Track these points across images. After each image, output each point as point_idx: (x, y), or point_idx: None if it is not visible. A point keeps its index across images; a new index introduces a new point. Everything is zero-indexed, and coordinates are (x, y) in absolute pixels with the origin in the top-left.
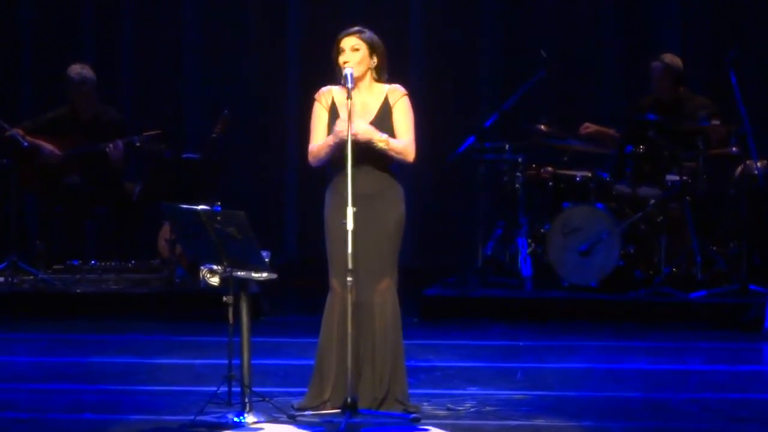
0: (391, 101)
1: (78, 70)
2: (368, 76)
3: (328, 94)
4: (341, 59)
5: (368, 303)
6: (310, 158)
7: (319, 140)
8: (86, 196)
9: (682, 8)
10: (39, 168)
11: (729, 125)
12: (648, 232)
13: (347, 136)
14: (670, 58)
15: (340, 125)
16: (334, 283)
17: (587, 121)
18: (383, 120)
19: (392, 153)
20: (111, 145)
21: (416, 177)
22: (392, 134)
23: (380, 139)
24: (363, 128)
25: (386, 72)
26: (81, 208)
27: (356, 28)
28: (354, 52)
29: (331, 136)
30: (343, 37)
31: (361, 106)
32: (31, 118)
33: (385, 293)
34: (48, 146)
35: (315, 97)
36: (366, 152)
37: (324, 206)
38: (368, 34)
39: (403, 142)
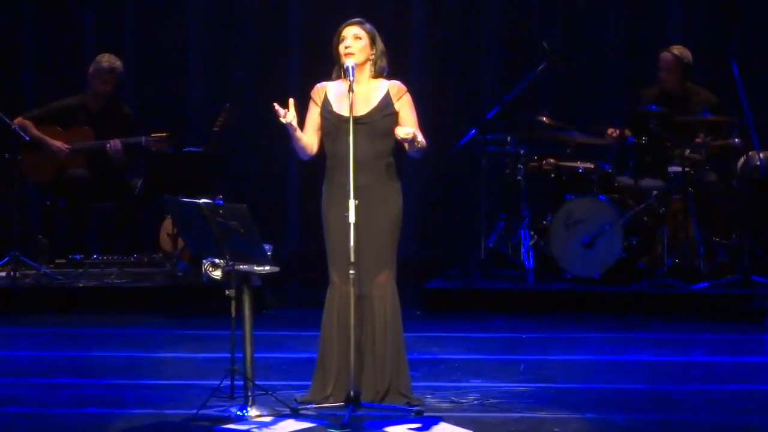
0: (393, 96)
1: (112, 60)
2: (367, 67)
3: (322, 90)
4: (342, 46)
5: (368, 296)
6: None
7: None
8: (89, 190)
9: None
10: (44, 160)
11: (731, 117)
12: (651, 223)
13: (351, 141)
14: (681, 50)
15: (288, 116)
16: (333, 276)
17: (590, 114)
18: (383, 111)
19: (419, 150)
20: (110, 144)
21: (418, 169)
22: (393, 127)
23: (420, 140)
24: (411, 131)
25: (385, 69)
26: (84, 201)
27: (358, 19)
28: (356, 40)
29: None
30: (345, 27)
31: (361, 96)
32: (39, 107)
33: (385, 286)
34: (56, 143)
35: (310, 94)
36: (369, 142)
37: (321, 199)
38: (369, 26)
39: (425, 143)
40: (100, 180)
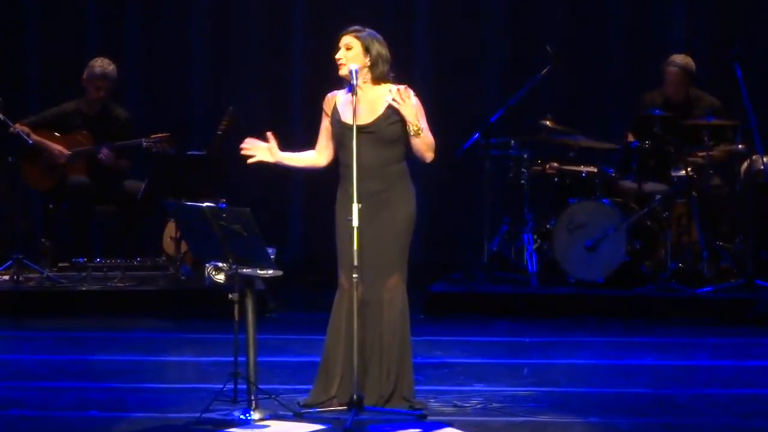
0: None
1: (105, 65)
2: (363, 75)
3: (332, 100)
4: (336, 56)
5: (377, 300)
6: None
7: (317, 148)
8: (91, 195)
9: (687, 3)
10: (45, 167)
11: (735, 121)
12: (654, 227)
13: (354, 143)
14: (685, 60)
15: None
16: (342, 279)
17: (594, 117)
18: (390, 117)
19: (420, 144)
20: (101, 153)
21: (422, 173)
22: (403, 133)
23: (417, 124)
24: (411, 109)
25: (387, 74)
26: (86, 206)
27: (354, 27)
28: (347, 50)
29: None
30: (341, 36)
31: (366, 104)
32: (36, 113)
33: (394, 290)
34: (56, 147)
35: (322, 105)
36: (375, 150)
37: (335, 204)
38: (366, 33)
39: (431, 138)
40: (101, 185)
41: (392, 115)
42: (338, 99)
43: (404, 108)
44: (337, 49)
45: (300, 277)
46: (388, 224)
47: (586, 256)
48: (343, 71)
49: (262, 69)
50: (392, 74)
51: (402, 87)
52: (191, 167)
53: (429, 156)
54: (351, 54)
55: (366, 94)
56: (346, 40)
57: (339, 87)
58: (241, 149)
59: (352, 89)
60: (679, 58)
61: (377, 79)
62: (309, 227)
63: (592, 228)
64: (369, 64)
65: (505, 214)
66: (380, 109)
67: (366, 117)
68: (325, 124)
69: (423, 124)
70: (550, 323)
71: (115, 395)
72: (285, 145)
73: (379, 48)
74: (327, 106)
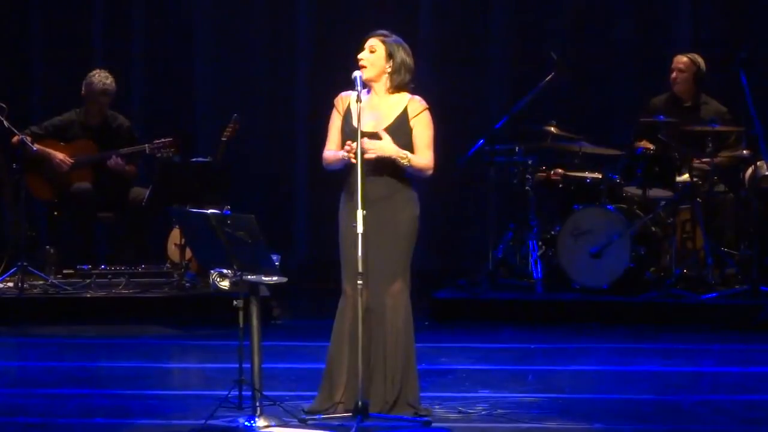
0: (410, 113)
1: (103, 80)
2: (383, 81)
3: (345, 99)
4: (359, 56)
5: (380, 306)
6: (324, 163)
7: (332, 146)
8: (95, 202)
9: (693, 9)
10: (48, 176)
11: (739, 127)
12: (658, 233)
13: (357, 149)
14: (694, 56)
15: (347, 149)
16: (346, 286)
17: (598, 124)
18: (398, 128)
19: (412, 169)
20: (111, 160)
21: (426, 180)
22: (410, 145)
23: (403, 156)
24: (389, 148)
25: (408, 83)
26: (90, 213)
27: (381, 31)
28: (370, 53)
29: (340, 153)
30: (367, 38)
31: (377, 110)
32: (38, 123)
33: (398, 296)
34: (59, 155)
35: (333, 102)
36: (377, 159)
37: (338, 210)
38: (392, 38)
39: (424, 159)
40: (105, 192)
41: (400, 126)
42: (352, 100)
43: (379, 153)
44: (361, 49)
45: (305, 284)
46: (391, 230)
47: (590, 263)
48: (364, 74)
49: (266, 75)
50: (413, 85)
51: (417, 98)
52: (196, 174)
53: (425, 174)
54: (374, 57)
55: (381, 100)
56: (372, 42)
57: (351, 88)
58: (349, 156)
59: (357, 96)
60: (690, 53)
61: (397, 87)
62: (313, 234)
63: (597, 234)
64: (390, 70)
65: (510, 220)
66: (391, 118)
67: (376, 124)
68: (337, 124)
69: (427, 140)
70: (555, 329)
71: (119, 402)
72: (289, 150)
73: (404, 56)
74: (340, 105)
